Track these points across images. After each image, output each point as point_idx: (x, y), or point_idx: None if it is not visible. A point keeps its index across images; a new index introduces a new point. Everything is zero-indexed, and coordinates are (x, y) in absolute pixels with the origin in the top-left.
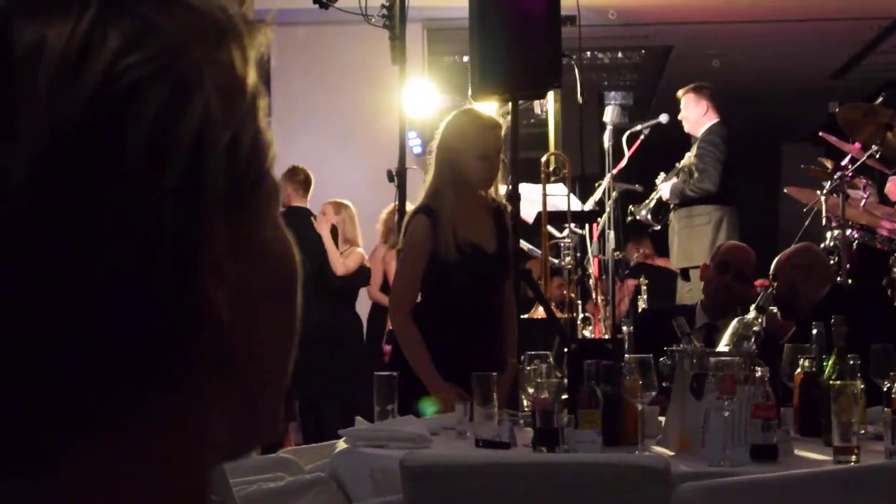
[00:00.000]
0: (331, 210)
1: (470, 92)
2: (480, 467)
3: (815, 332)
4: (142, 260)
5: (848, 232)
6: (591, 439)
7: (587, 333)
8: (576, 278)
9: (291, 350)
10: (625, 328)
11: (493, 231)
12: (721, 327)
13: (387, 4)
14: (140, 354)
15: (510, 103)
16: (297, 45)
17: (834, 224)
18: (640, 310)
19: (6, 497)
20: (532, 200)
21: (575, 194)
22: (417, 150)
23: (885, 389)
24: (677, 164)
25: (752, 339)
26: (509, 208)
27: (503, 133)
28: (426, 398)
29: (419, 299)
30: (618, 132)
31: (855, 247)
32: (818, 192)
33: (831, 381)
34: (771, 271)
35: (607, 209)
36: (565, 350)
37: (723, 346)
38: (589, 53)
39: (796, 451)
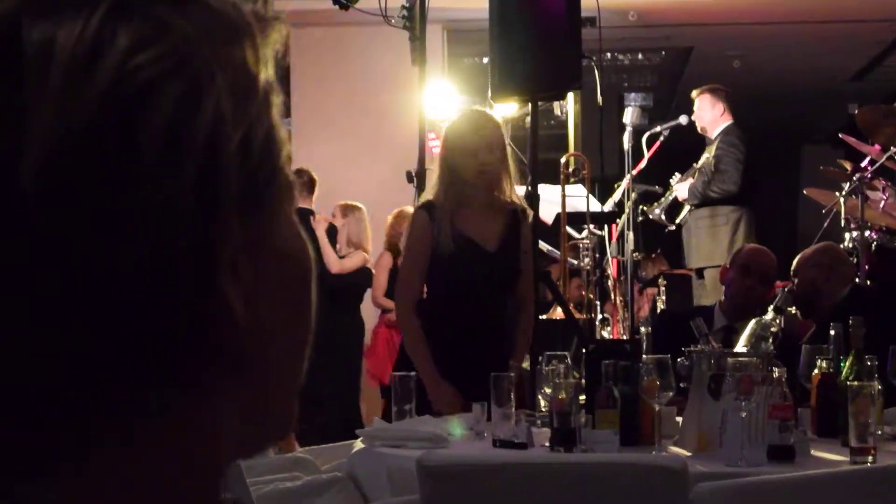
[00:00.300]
0: (339, 212)
1: (490, 93)
2: (498, 467)
3: (833, 333)
4: (158, 259)
5: (867, 233)
6: (608, 439)
7: (605, 334)
8: (594, 279)
9: (306, 348)
10: (643, 329)
11: (499, 231)
12: (739, 329)
13: (407, 5)
14: (156, 354)
15: (530, 105)
16: (317, 46)
17: (853, 225)
18: (658, 311)
19: (6, 498)
20: (551, 201)
21: (594, 195)
22: (437, 150)
23: None
24: (694, 165)
25: (770, 340)
26: (530, 213)
27: (505, 131)
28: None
29: (424, 294)
30: (637, 133)
31: (874, 248)
32: (837, 194)
33: (849, 382)
34: (792, 270)
35: (626, 210)
36: (583, 351)
37: (741, 347)
38: (609, 55)
39: (813, 452)
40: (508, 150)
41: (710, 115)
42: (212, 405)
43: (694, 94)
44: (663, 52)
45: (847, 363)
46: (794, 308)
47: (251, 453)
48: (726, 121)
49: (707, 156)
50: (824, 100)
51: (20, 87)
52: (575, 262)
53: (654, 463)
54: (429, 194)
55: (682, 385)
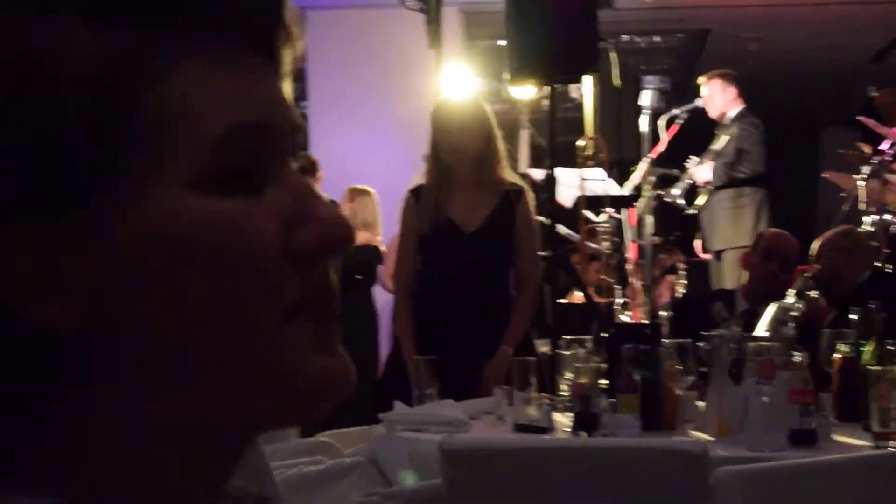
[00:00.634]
0: (346, 196)
1: (507, 76)
2: (519, 451)
3: (854, 317)
4: None
5: (886, 217)
6: (629, 424)
7: (626, 318)
8: (614, 263)
9: (251, 328)
10: (663, 313)
11: (486, 212)
12: (760, 313)
13: None
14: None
15: (547, 88)
16: (333, 30)
17: (872, 209)
18: (679, 295)
19: None
20: (569, 185)
21: (612, 178)
22: None
23: None
24: (711, 148)
25: (791, 324)
26: (529, 194)
27: (492, 115)
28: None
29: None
30: (655, 116)
31: (893, 231)
32: (856, 177)
33: (870, 367)
34: (813, 253)
35: (645, 193)
36: (604, 335)
37: (762, 331)
38: (626, 37)
39: (835, 436)
40: (496, 132)
41: (722, 99)
42: (121, 405)
43: (702, 79)
44: (680, 35)
45: (868, 348)
46: (814, 292)
47: (249, 432)
48: (740, 105)
49: (726, 139)
50: (843, 82)
51: None
52: (594, 245)
53: (674, 447)
54: (421, 178)
55: (703, 369)
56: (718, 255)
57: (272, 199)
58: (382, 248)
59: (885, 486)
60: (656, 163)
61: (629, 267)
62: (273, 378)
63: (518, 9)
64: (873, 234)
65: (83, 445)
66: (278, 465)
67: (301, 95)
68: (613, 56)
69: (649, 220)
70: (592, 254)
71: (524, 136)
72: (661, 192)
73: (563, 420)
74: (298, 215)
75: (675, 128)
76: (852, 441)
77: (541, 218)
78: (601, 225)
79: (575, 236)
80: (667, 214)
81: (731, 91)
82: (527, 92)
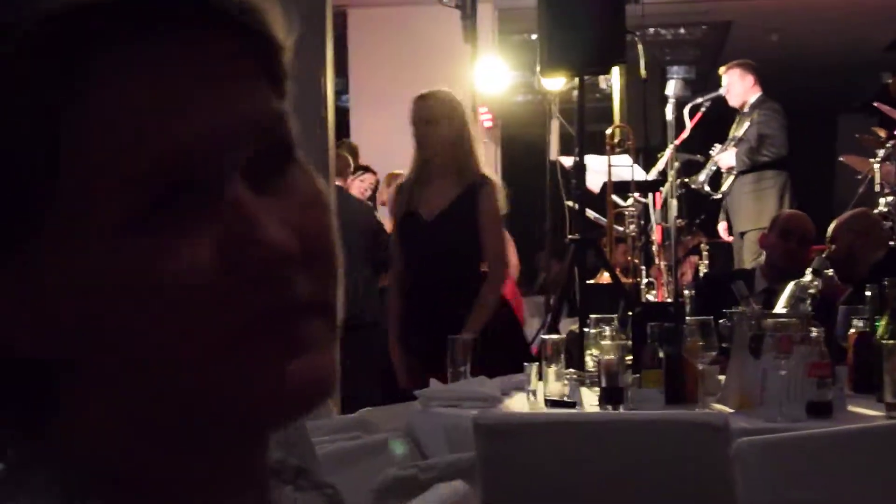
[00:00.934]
0: (385, 181)
1: (538, 69)
2: (549, 425)
3: (869, 293)
4: None
5: None
6: (654, 397)
7: (651, 297)
8: (640, 245)
9: (168, 354)
10: (686, 292)
11: (445, 202)
12: (779, 291)
13: None
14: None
15: (577, 79)
16: (372, 26)
17: (887, 190)
18: (701, 275)
19: None
20: (598, 171)
21: (639, 165)
22: (488, 124)
23: None
24: (734, 134)
25: (808, 301)
26: (495, 184)
27: (472, 111)
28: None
29: None
30: (680, 105)
31: None
32: (872, 161)
33: (884, 341)
34: (829, 235)
35: (670, 179)
36: (629, 313)
37: (780, 308)
38: (652, 30)
39: (850, 408)
40: (468, 127)
41: (741, 87)
42: (71, 405)
43: (722, 70)
44: (704, 27)
45: (882, 323)
46: (830, 270)
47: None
48: (758, 91)
49: (747, 125)
50: (859, 70)
51: None
52: (621, 228)
53: (696, 419)
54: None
55: (724, 345)
56: (742, 236)
57: (208, 226)
58: None
59: None
60: (680, 149)
61: (654, 249)
62: (234, 392)
63: (549, 4)
64: (888, 214)
65: (85, 438)
66: (319, 441)
67: (343, 89)
68: (640, 48)
69: (674, 203)
70: (619, 236)
71: (555, 126)
72: (687, 180)
73: (591, 395)
74: (239, 240)
75: (698, 116)
76: (867, 412)
77: (569, 203)
78: (628, 209)
79: (602, 220)
80: (691, 198)
81: (749, 79)
82: (557, 83)
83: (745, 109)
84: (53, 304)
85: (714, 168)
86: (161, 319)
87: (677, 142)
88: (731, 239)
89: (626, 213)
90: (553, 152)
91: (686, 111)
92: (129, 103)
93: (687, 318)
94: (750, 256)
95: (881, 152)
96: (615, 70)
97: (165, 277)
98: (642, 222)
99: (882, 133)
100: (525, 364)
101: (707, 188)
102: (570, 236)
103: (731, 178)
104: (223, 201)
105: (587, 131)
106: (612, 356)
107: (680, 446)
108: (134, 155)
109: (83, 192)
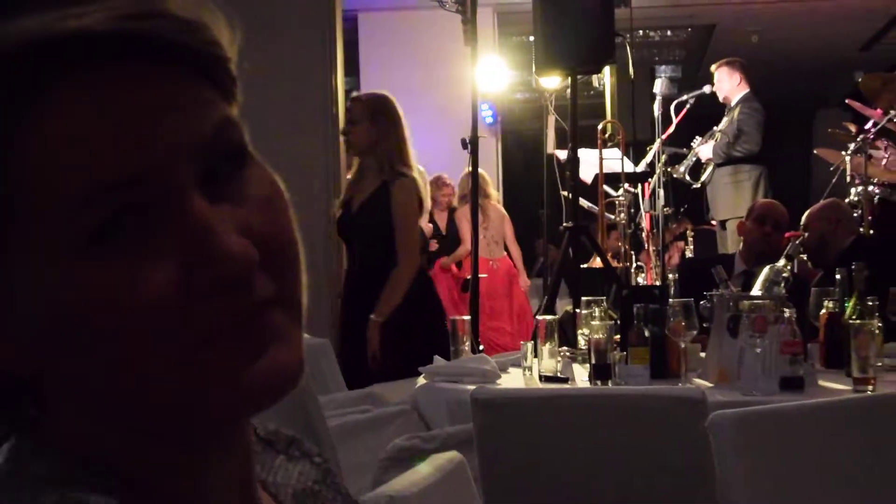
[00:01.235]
0: None
1: (534, 68)
2: (542, 399)
3: (838, 276)
4: None
5: (870, 188)
6: (640, 373)
7: (640, 280)
8: (630, 232)
9: (118, 368)
10: (671, 276)
11: (366, 195)
12: (757, 274)
13: None
14: None
15: (570, 78)
16: (382, 29)
17: (857, 181)
18: (685, 260)
19: None
20: (590, 163)
21: (628, 157)
22: (489, 120)
23: None
24: (714, 129)
25: (782, 284)
26: (406, 181)
27: (402, 111)
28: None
29: None
30: (667, 102)
31: (876, 201)
32: (843, 153)
33: (852, 321)
34: (802, 223)
35: (657, 170)
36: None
37: (756, 291)
38: (641, 32)
39: (820, 382)
40: (391, 126)
41: (728, 84)
42: (52, 408)
43: (713, 67)
44: (689, 29)
45: (851, 303)
46: (804, 256)
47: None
48: (744, 89)
49: (727, 120)
50: (834, 69)
51: None
52: (612, 217)
53: (676, 394)
54: None
55: (704, 325)
56: (723, 224)
57: (166, 244)
58: (426, 226)
59: (863, 426)
60: (667, 143)
61: (643, 235)
62: (197, 396)
63: (544, 9)
64: (858, 203)
65: (70, 433)
66: (331, 413)
67: (354, 87)
68: (628, 49)
69: (661, 193)
70: (611, 224)
71: (551, 121)
72: (669, 169)
73: (582, 371)
74: (197, 255)
75: (683, 112)
76: (836, 386)
77: (564, 193)
78: (618, 198)
79: (595, 208)
80: (678, 188)
81: (737, 77)
82: (553, 82)
83: (731, 105)
84: (21, 320)
85: (694, 159)
86: (124, 335)
87: (664, 136)
88: (715, 224)
89: (617, 202)
90: (549, 146)
91: (672, 108)
92: (74, 132)
93: (670, 299)
94: (732, 243)
95: (852, 146)
96: (606, 69)
97: (128, 298)
98: (632, 211)
99: (853, 128)
100: (521, 342)
101: (688, 178)
102: (564, 224)
103: (710, 168)
104: (181, 218)
105: (581, 126)
106: (601, 335)
107: (662, 419)
108: (79, 179)
109: (36, 213)
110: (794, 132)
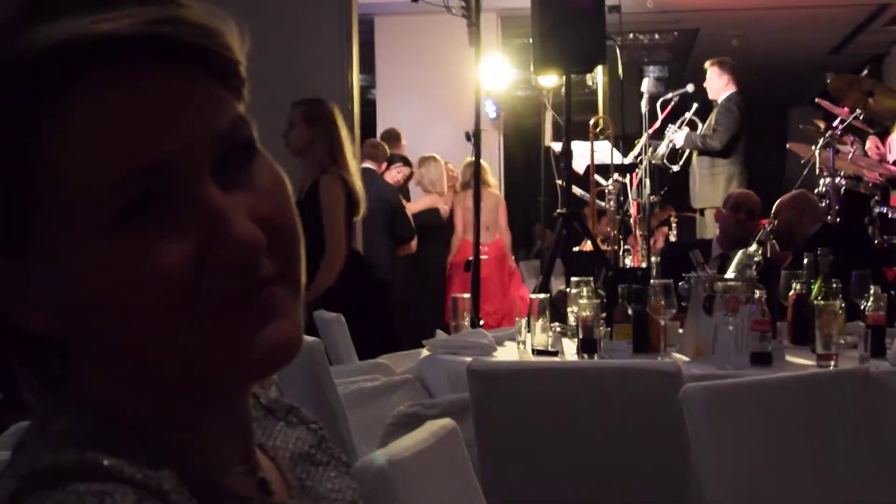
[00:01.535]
0: (418, 162)
1: (532, 68)
2: (531, 371)
3: (805, 261)
4: None
5: (837, 180)
6: (623, 348)
7: (628, 262)
8: (618, 218)
9: (129, 329)
10: (653, 259)
11: (302, 194)
12: (732, 257)
13: None
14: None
15: (565, 77)
16: (395, 30)
17: (826, 173)
18: (667, 244)
19: None
20: (582, 155)
21: (618, 150)
22: (492, 115)
23: (861, 308)
24: (687, 115)
25: (754, 268)
26: (330, 181)
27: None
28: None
29: None
30: (653, 99)
31: (843, 192)
32: (813, 148)
33: (817, 301)
34: (773, 211)
35: (644, 162)
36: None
37: (730, 273)
38: (631, 35)
39: (788, 358)
40: (334, 129)
41: (716, 83)
42: (78, 371)
43: (706, 64)
44: (675, 33)
45: (816, 286)
46: (775, 241)
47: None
48: (730, 89)
49: (712, 115)
50: (807, 70)
51: None
52: (602, 204)
53: (653, 367)
54: None
55: (682, 304)
56: (702, 211)
57: (183, 225)
58: (443, 208)
59: (824, 398)
60: (653, 137)
61: (631, 221)
62: (209, 360)
63: (541, 13)
64: (825, 194)
65: (94, 394)
66: (342, 382)
67: (371, 84)
68: (618, 52)
69: (647, 183)
70: (601, 210)
71: (548, 116)
72: (649, 154)
73: (572, 345)
74: (212, 237)
75: (668, 109)
76: (802, 361)
77: (559, 181)
78: (608, 187)
79: (586, 196)
80: (663, 175)
81: (725, 77)
82: (551, 80)
83: (717, 102)
84: (55, 291)
85: (671, 144)
86: (142, 304)
87: (650, 131)
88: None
89: (607, 190)
90: (547, 139)
91: (658, 104)
92: (104, 123)
93: (652, 280)
94: (710, 229)
95: (821, 141)
96: (599, 69)
97: (147, 270)
98: (621, 198)
99: (822, 125)
100: (517, 318)
101: (666, 162)
102: (558, 210)
103: (685, 155)
104: (198, 203)
105: (575, 121)
106: (588, 313)
107: (641, 390)
108: (109, 166)
109: (67, 197)
110: (770, 127)
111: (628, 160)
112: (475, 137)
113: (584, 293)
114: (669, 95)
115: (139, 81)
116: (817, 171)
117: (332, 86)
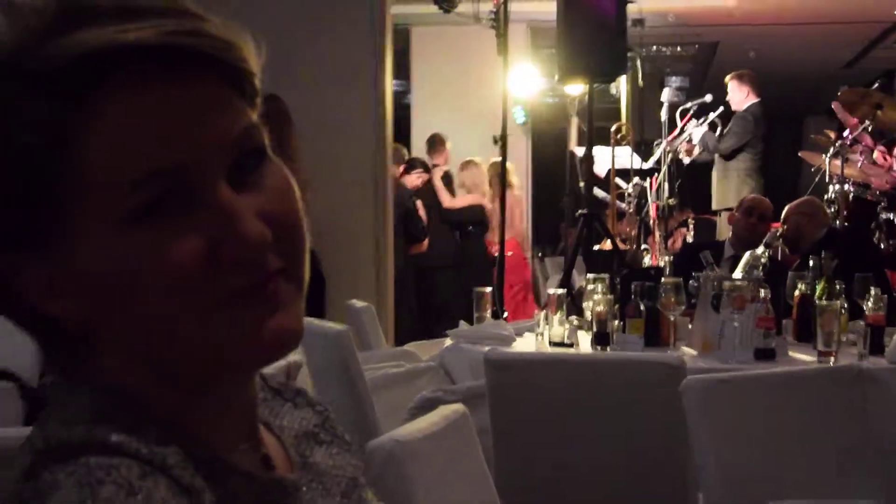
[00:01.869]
0: (460, 166)
1: (557, 77)
2: (544, 361)
3: (811, 263)
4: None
5: (846, 186)
6: (635, 341)
7: (647, 261)
8: (638, 219)
9: (154, 318)
10: (665, 258)
11: None
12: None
13: (494, 10)
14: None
15: (587, 86)
16: (429, 40)
17: (835, 180)
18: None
19: None
20: (604, 160)
21: (638, 154)
22: (521, 120)
23: (863, 308)
24: (711, 115)
25: (760, 268)
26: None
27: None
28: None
29: None
30: (672, 108)
31: (851, 198)
32: (824, 156)
33: (819, 301)
34: (782, 216)
35: (663, 167)
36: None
37: (738, 273)
38: (655, 48)
39: (791, 353)
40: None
41: (737, 95)
42: (97, 355)
43: (727, 79)
44: (696, 46)
45: (820, 286)
46: (782, 244)
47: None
48: (751, 100)
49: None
50: (822, 82)
51: None
52: (622, 205)
53: (659, 360)
54: None
55: (692, 301)
56: (718, 213)
57: (198, 222)
58: (487, 205)
59: (818, 392)
60: (672, 143)
61: (650, 222)
62: (218, 347)
63: (566, 26)
64: (834, 200)
65: (110, 375)
66: (369, 367)
67: (406, 90)
68: (638, 63)
69: (666, 186)
70: (621, 211)
71: (573, 122)
72: (668, 147)
73: (586, 338)
74: (223, 234)
75: (687, 117)
76: (803, 357)
77: (581, 184)
78: (627, 190)
79: (608, 198)
80: (683, 180)
81: (744, 89)
82: (576, 88)
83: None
84: (76, 281)
85: (689, 138)
86: (160, 295)
87: (670, 137)
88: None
89: (626, 193)
90: (572, 144)
91: (678, 113)
92: (126, 128)
93: (664, 279)
94: (726, 230)
95: (831, 150)
96: (623, 78)
97: (163, 262)
98: (642, 201)
99: (832, 134)
100: (535, 311)
101: (682, 155)
102: (579, 211)
103: (698, 151)
104: (211, 202)
105: (599, 127)
106: (602, 308)
107: (646, 381)
108: (128, 168)
109: (91, 194)
110: (787, 136)
111: (648, 165)
112: (502, 141)
113: (599, 289)
114: (688, 105)
115: (161, 88)
116: (827, 178)
117: (365, 91)
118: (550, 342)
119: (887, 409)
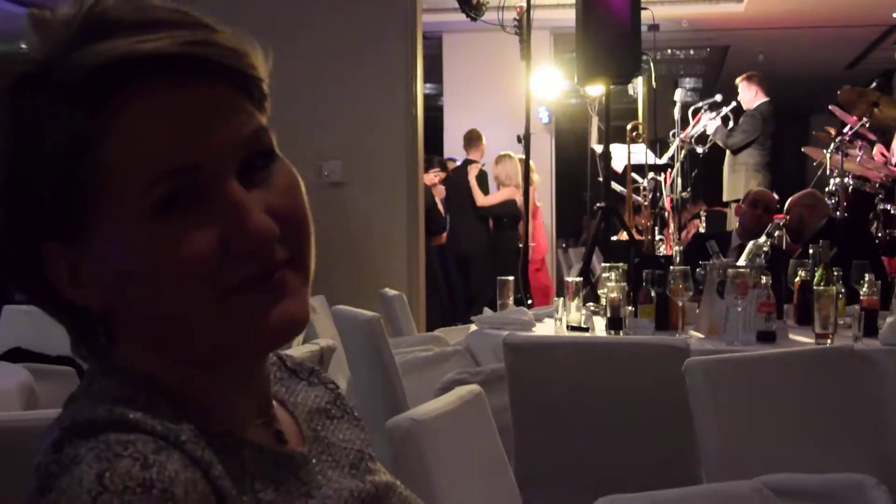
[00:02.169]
0: (495, 160)
1: (576, 79)
2: (560, 344)
3: (812, 251)
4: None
5: (846, 180)
6: (646, 326)
7: (662, 251)
8: (653, 212)
9: (168, 306)
10: (676, 248)
11: None
12: None
13: (517, 18)
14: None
15: (604, 88)
16: (459, 46)
17: (836, 174)
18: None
19: None
20: (622, 156)
21: (653, 152)
22: (545, 120)
23: (859, 293)
24: (724, 109)
25: (762, 257)
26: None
27: None
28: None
29: None
30: (685, 108)
31: (850, 190)
32: (825, 151)
33: (817, 287)
34: (785, 208)
35: (676, 164)
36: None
37: (741, 261)
38: (669, 51)
39: (791, 336)
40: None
41: (747, 95)
42: (119, 340)
43: (737, 80)
44: (708, 49)
45: (818, 273)
46: (785, 234)
47: (202, 365)
48: (760, 99)
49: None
50: (825, 82)
51: None
52: (638, 199)
53: (666, 343)
54: None
55: (699, 287)
56: (728, 205)
57: (210, 216)
58: (519, 199)
59: (812, 371)
60: (684, 141)
61: (666, 215)
62: (229, 332)
63: (585, 31)
64: (834, 192)
65: (132, 360)
66: (400, 351)
67: (439, 92)
68: (651, 66)
69: (679, 181)
70: (637, 205)
71: (594, 122)
72: (682, 139)
73: (601, 322)
74: (234, 228)
75: (699, 116)
76: (803, 339)
77: (600, 179)
78: (642, 184)
79: (624, 192)
80: (697, 174)
81: (753, 89)
82: (597, 89)
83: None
84: (100, 270)
85: (703, 129)
86: (176, 284)
87: (682, 135)
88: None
89: (641, 187)
90: (592, 141)
91: (690, 112)
92: (145, 130)
93: (673, 267)
94: (736, 221)
95: (831, 146)
96: (640, 80)
97: (177, 253)
98: (657, 195)
99: (832, 131)
100: (554, 297)
101: (694, 143)
102: (598, 204)
103: (710, 142)
104: (223, 198)
105: (616, 126)
106: (616, 294)
107: (654, 363)
108: (147, 167)
109: (114, 191)
110: (793, 133)
111: (662, 161)
112: (525, 140)
113: (613, 277)
114: (700, 104)
115: (176, 94)
116: (828, 172)
117: (398, 94)
118: (568, 326)
119: (880, 387)
